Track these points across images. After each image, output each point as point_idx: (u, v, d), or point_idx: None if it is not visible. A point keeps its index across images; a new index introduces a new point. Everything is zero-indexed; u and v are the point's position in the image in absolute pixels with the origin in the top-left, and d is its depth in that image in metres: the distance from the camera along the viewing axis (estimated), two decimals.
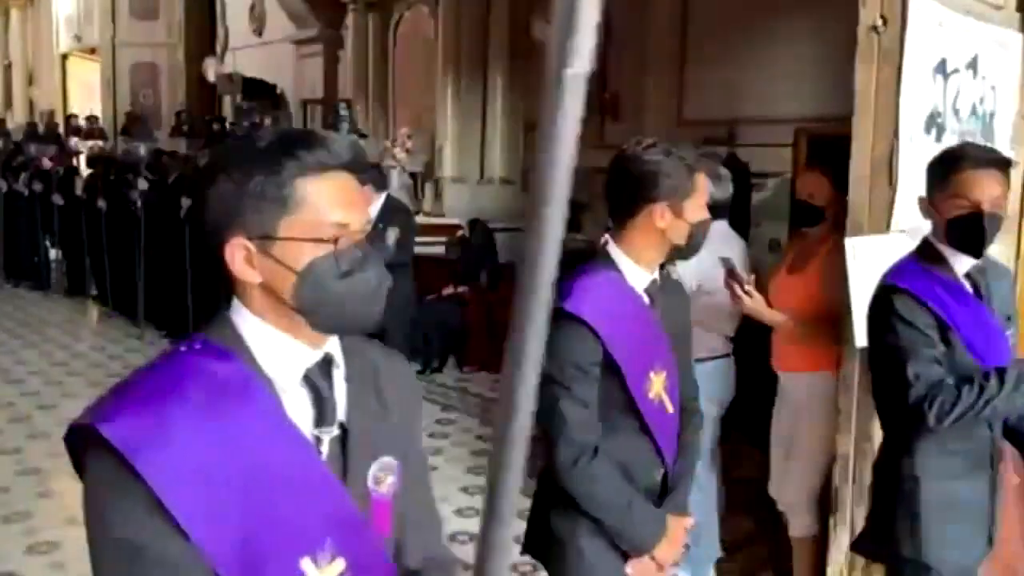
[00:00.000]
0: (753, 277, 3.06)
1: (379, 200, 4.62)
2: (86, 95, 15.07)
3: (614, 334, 1.87)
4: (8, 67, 17.89)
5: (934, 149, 2.57)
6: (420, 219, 7.62)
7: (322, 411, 1.12)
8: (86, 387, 6.33)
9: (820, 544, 3.19)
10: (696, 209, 1.94)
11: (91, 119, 13.00)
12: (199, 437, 1.02)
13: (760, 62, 6.71)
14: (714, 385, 3.22)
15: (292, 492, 1.07)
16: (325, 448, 1.13)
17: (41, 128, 12.19)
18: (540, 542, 2.03)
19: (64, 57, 16.01)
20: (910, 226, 2.80)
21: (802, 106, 6.40)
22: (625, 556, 1.95)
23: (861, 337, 2.80)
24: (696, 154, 1.99)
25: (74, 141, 11.88)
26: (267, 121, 9.09)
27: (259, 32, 12.00)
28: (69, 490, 4.52)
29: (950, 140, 2.89)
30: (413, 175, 8.55)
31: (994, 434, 2.21)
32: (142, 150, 9.18)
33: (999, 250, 2.25)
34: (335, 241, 1.08)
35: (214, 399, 1.04)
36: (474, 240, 7.31)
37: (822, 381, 3.09)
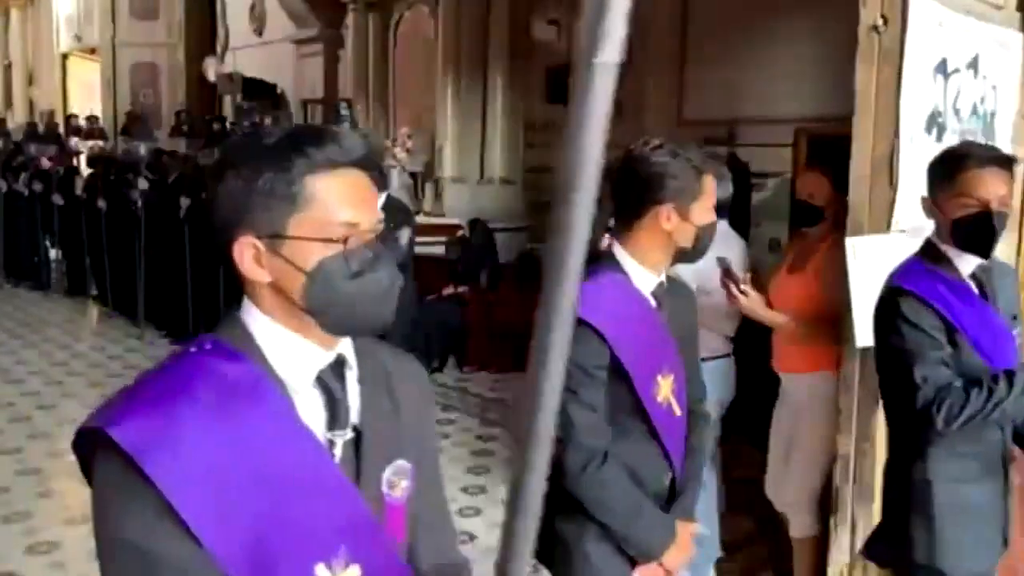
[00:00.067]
0: (749, 276, 3.06)
1: (379, 200, 4.61)
2: (86, 95, 15.06)
3: (621, 337, 1.86)
4: (8, 67, 17.89)
5: (935, 149, 2.57)
6: (420, 219, 7.61)
7: (335, 413, 1.10)
8: (86, 387, 6.33)
9: (820, 544, 3.19)
10: (703, 212, 1.92)
11: (91, 119, 13.00)
12: (209, 439, 1.00)
13: (760, 62, 6.70)
14: (714, 385, 3.21)
15: (305, 496, 1.05)
16: (338, 451, 1.10)
17: (41, 128, 12.18)
18: (546, 546, 2.00)
19: (64, 57, 16.01)
20: (910, 226, 2.80)
21: (802, 106, 6.39)
22: (632, 561, 1.92)
23: (861, 337, 2.80)
24: (703, 156, 1.96)
25: (74, 141, 11.88)
26: (267, 121, 9.09)
27: (259, 32, 11.99)
28: (69, 490, 4.52)
29: (951, 140, 2.89)
30: (413, 175, 8.55)
31: (1005, 437, 2.19)
32: (142, 150, 9.17)
33: (1000, 249, 2.24)
34: (345, 241, 1.05)
35: (224, 400, 1.02)
36: (474, 240, 7.31)
37: (823, 382, 3.08)
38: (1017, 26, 3.30)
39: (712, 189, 1.95)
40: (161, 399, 1.02)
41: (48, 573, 3.64)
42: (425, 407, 1.29)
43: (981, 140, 3.00)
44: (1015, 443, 2.26)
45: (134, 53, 13.67)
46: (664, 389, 1.93)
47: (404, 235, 4.46)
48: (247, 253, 1.06)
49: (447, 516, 1.34)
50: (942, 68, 2.91)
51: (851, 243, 2.81)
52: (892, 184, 2.80)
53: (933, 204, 2.14)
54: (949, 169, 2.10)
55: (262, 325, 1.09)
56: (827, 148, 3.66)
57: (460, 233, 7.52)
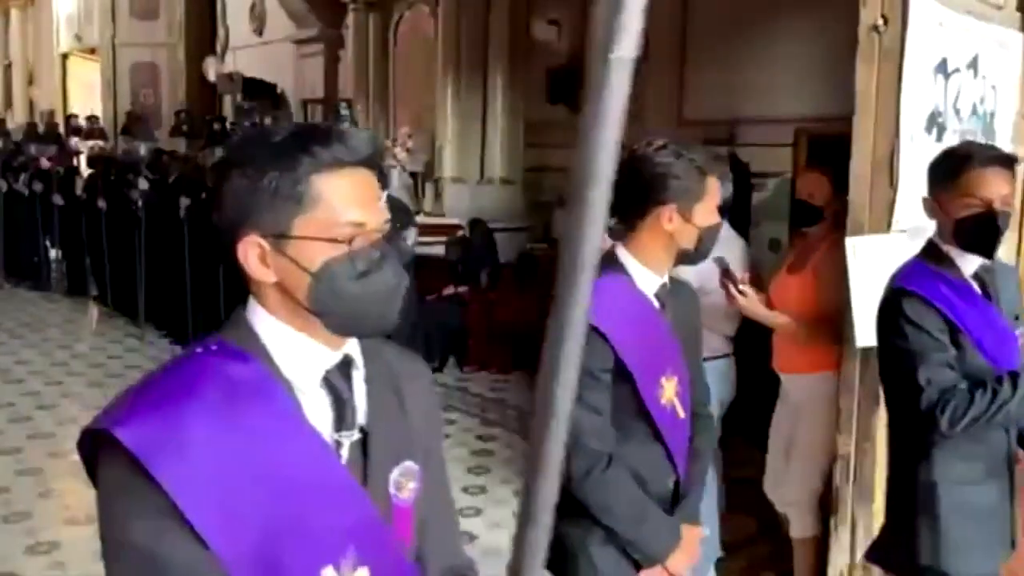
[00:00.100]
0: (748, 276, 3.06)
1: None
2: (86, 95, 15.05)
3: (625, 339, 1.84)
4: (8, 67, 17.88)
5: (935, 149, 2.57)
6: (420, 219, 7.61)
7: (342, 414, 1.09)
8: (86, 387, 6.33)
9: (821, 544, 3.19)
10: (706, 214, 1.90)
11: (91, 119, 12.98)
12: (215, 440, 0.99)
13: (760, 62, 6.70)
14: (714, 385, 3.20)
15: (313, 497, 1.04)
16: (345, 452, 1.09)
17: (41, 128, 12.17)
18: (550, 550, 1.98)
19: (64, 57, 16.00)
20: (910, 226, 2.80)
21: (802, 106, 6.39)
22: (637, 565, 1.91)
23: (861, 337, 2.80)
24: (707, 157, 1.94)
25: (74, 141, 11.86)
26: (267, 121, 9.08)
27: (259, 32, 11.99)
28: (69, 490, 4.52)
29: (951, 140, 2.89)
30: (413, 175, 8.55)
31: (1010, 438, 2.17)
32: (142, 150, 9.17)
33: (1000, 249, 2.23)
34: (351, 241, 1.04)
35: (231, 401, 1.01)
36: (474, 240, 7.31)
37: (823, 382, 3.08)
38: (1017, 26, 3.30)
39: (716, 191, 1.93)
40: (167, 400, 1.01)
41: (48, 573, 3.64)
42: (431, 408, 1.27)
43: (981, 140, 3.00)
44: (1020, 445, 2.25)
45: (134, 53, 13.65)
46: (668, 391, 1.92)
47: (411, 235, 4.46)
48: (252, 253, 1.05)
49: (453, 517, 1.33)
50: (942, 68, 2.91)
51: (851, 243, 2.81)
52: (892, 184, 2.80)
53: (935, 204, 2.13)
54: (951, 169, 2.09)
55: (268, 325, 1.08)
56: (827, 148, 3.66)
57: (460, 233, 7.52)
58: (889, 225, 2.82)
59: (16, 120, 15.17)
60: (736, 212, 3.79)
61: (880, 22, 2.79)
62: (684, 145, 1.91)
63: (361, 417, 1.11)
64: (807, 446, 3.18)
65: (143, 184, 7.88)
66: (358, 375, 1.12)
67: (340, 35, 10.31)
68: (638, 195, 1.89)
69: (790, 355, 3.18)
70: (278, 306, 1.07)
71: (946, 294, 2.07)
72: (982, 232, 2.06)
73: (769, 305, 3.10)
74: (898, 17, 2.76)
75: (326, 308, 1.05)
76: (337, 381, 1.09)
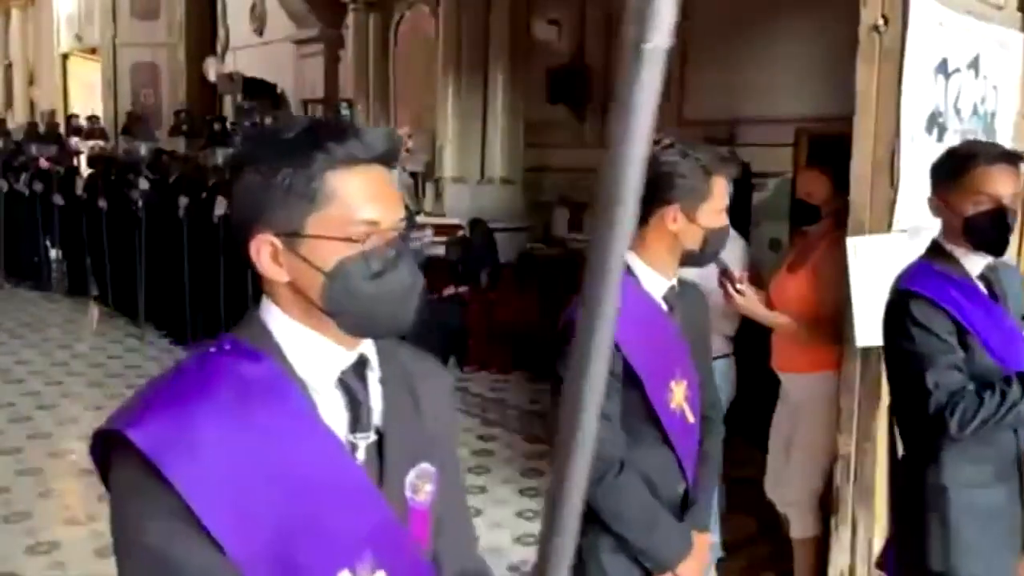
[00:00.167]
0: (747, 275, 3.05)
1: None
2: (87, 95, 15.05)
3: (633, 343, 1.80)
4: (9, 67, 17.87)
5: (935, 149, 2.57)
6: (420, 219, 7.61)
7: (357, 416, 1.07)
8: (86, 387, 6.33)
9: (821, 545, 3.19)
10: (712, 214, 1.86)
11: (92, 119, 12.98)
12: (228, 440, 0.97)
13: (760, 62, 6.70)
14: None
15: (328, 497, 1.02)
16: (361, 454, 1.07)
17: (42, 128, 12.17)
18: None
19: (65, 57, 15.99)
20: (911, 225, 2.80)
21: (803, 106, 6.39)
22: (648, 573, 1.89)
23: (862, 337, 2.80)
24: (715, 157, 1.90)
25: (75, 141, 11.86)
26: (267, 121, 9.08)
27: (260, 32, 11.98)
28: (69, 490, 4.52)
29: (952, 140, 2.89)
30: (414, 175, 8.54)
31: (1019, 440, 2.15)
32: (143, 150, 9.17)
33: None
34: (365, 240, 1.02)
35: (244, 401, 1.00)
36: (474, 240, 7.30)
37: (822, 382, 3.08)
38: (1018, 26, 3.29)
39: (722, 192, 1.89)
40: (180, 400, 0.99)
41: (48, 573, 3.63)
42: (448, 409, 1.26)
43: (982, 140, 3.00)
44: None
45: (134, 53, 13.65)
46: (677, 395, 1.89)
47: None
48: (264, 251, 1.03)
49: (469, 522, 1.30)
50: (943, 68, 2.91)
51: (852, 243, 2.81)
52: (893, 184, 2.80)
53: (942, 203, 2.10)
54: (957, 167, 2.08)
55: (282, 324, 1.06)
56: (828, 148, 3.66)
57: (460, 233, 7.52)
58: (890, 225, 2.82)
59: (17, 120, 15.17)
60: (736, 212, 3.78)
61: (880, 22, 2.79)
62: (691, 144, 1.88)
63: (376, 418, 1.09)
64: (807, 446, 3.18)
65: (144, 184, 7.88)
66: (373, 376, 1.10)
67: (340, 35, 10.31)
68: (643, 195, 1.86)
69: (789, 355, 3.18)
70: (291, 305, 1.05)
71: (953, 295, 2.05)
72: (993, 229, 2.04)
73: (769, 304, 3.10)
74: (898, 17, 2.76)
75: (340, 308, 1.03)
76: (352, 382, 1.07)
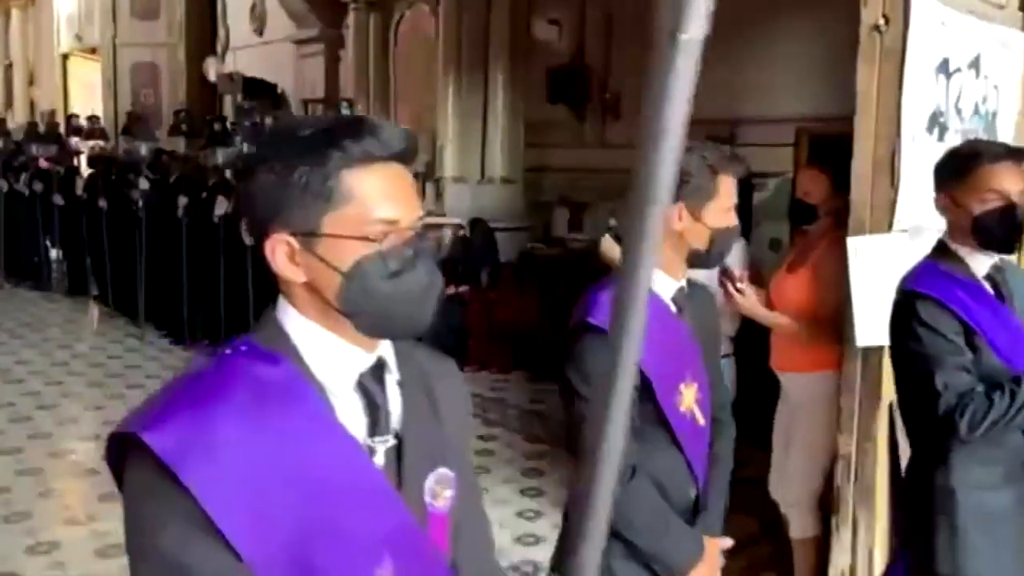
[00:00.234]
0: (747, 274, 3.05)
1: None
2: (87, 95, 15.05)
3: (642, 346, 1.77)
4: (9, 67, 17.87)
5: (936, 149, 2.57)
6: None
7: (376, 419, 1.05)
8: (86, 387, 6.33)
9: (821, 545, 3.18)
10: (718, 214, 1.83)
11: (92, 119, 12.97)
12: (246, 445, 0.96)
13: (760, 62, 6.70)
14: None
15: (348, 503, 1.00)
16: (380, 458, 1.05)
17: (42, 128, 12.17)
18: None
19: (65, 57, 15.99)
20: (912, 225, 2.80)
21: (803, 106, 6.39)
22: None
23: (862, 336, 2.80)
24: (722, 155, 1.87)
25: (75, 141, 11.86)
26: (268, 121, 9.07)
27: (260, 32, 11.98)
28: (69, 490, 4.52)
29: (953, 139, 2.88)
30: (414, 175, 8.55)
31: None
32: (143, 150, 9.17)
33: None
34: (383, 239, 1.00)
35: (261, 404, 0.98)
36: (475, 240, 7.30)
37: (821, 382, 3.08)
38: (1019, 25, 3.29)
39: (729, 191, 1.86)
40: (196, 403, 0.97)
41: (48, 573, 3.63)
42: (465, 413, 1.24)
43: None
44: None
45: (135, 53, 13.65)
46: (687, 398, 1.86)
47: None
48: (280, 251, 1.01)
49: (487, 528, 1.28)
50: (944, 68, 2.90)
51: (852, 243, 2.81)
52: (894, 184, 2.80)
53: (949, 201, 2.08)
54: (964, 165, 2.06)
55: (298, 325, 1.04)
56: (828, 148, 3.66)
57: (461, 233, 7.51)
58: (890, 225, 2.82)
59: (17, 120, 15.17)
60: (737, 212, 3.79)
61: (881, 22, 2.79)
62: (698, 143, 1.84)
63: (395, 422, 1.08)
64: (806, 446, 3.18)
65: (144, 184, 7.88)
66: (391, 378, 1.09)
67: (340, 35, 10.30)
68: None
69: (789, 354, 3.18)
70: (308, 306, 1.04)
71: (960, 296, 2.03)
72: (1002, 227, 2.02)
73: (769, 304, 3.10)
74: (899, 17, 2.75)
75: (357, 308, 1.01)
76: (371, 385, 1.05)
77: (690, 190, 1.80)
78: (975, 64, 3.03)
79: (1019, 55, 3.27)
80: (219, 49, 12.89)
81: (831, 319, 2.97)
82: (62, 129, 12.34)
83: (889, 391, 2.83)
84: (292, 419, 0.99)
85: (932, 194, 2.18)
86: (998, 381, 1.99)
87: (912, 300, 2.06)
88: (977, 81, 3.06)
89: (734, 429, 2.09)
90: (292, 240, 1.01)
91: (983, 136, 3.06)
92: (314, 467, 0.99)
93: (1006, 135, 3.22)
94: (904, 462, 2.48)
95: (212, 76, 12.43)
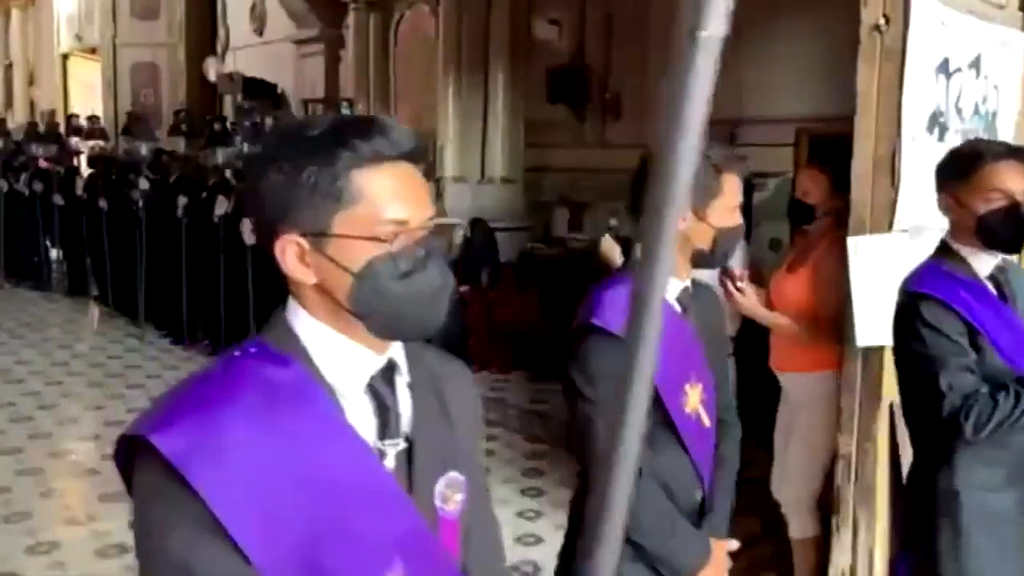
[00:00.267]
0: (747, 274, 3.05)
1: None
2: (87, 95, 15.05)
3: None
4: (9, 67, 17.87)
5: (937, 148, 2.57)
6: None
7: (386, 422, 1.04)
8: (86, 387, 6.33)
9: (821, 545, 3.18)
10: (722, 213, 1.81)
11: (92, 119, 12.97)
12: (255, 447, 0.95)
13: (761, 62, 6.69)
14: None
15: (357, 504, 1.00)
16: (390, 462, 1.04)
17: (42, 128, 12.16)
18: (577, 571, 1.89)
19: (65, 57, 15.99)
20: (912, 225, 2.80)
21: (804, 106, 6.39)
22: None
23: (862, 336, 2.80)
24: (727, 154, 1.85)
25: (75, 141, 11.86)
26: (268, 121, 9.07)
27: (260, 32, 11.98)
28: (70, 490, 4.52)
29: (953, 139, 2.88)
30: None
31: None
32: (143, 150, 9.17)
33: None
34: (393, 239, 0.99)
35: (270, 405, 0.98)
36: (475, 240, 7.30)
37: (820, 381, 3.08)
38: (1019, 25, 3.29)
39: (734, 190, 1.84)
40: (205, 405, 0.97)
41: (48, 573, 3.63)
42: (475, 416, 1.23)
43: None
44: None
45: (135, 53, 13.65)
46: (692, 399, 1.85)
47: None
48: (290, 252, 1.01)
49: (497, 532, 1.27)
50: (944, 68, 2.90)
51: (853, 242, 2.81)
52: (894, 184, 2.80)
53: (953, 201, 2.08)
54: (967, 165, 2.05)
55: (309, 327, 1.03)
56: (828, 148, 3.66)
57: (461, 233, 7.52)
58: (891, 225, 2.82)
59: (17, 120, 15.17)
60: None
61: (882, 22, 2.79)
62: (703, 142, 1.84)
63: (405, 425, 1.07)
64: (806, 446, 3.18)
65: (144, 184, 7.88)
66: (401, 381, 1.08)
67: (340, 35, 10.30)
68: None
69: (788, 354, 3.18)
70: (318, 307, 1.03)
71: (963, 296, 2.02)
72: (1007, 226, 2.01)
73: (769, 304, 3.10)
74: (900, 17, 2.75)
75: (368, 309, 1.01)
76: (381, 387, 1.05)
77: (694, 188, 1.78)
78: (975, 64, 3.03)
79: (1019, 55, 3.27)
80: (219, 49, 12.89)
81: (831, 320, 2.97)
82: (62, 129, 12.33)
83: (889, 391, 2.83)
84: (302, 421, 0.99)
85: (933, 194, 2.18)
86: (1002, 382, 1.98)
87: (916, 301, 2.05)
88: (977, 81, 3.06)
89: (740, 430, 2.07)
90: (302, 241, 1.00)
91: (983, 136, 3.05)
92: (324, 469, 0.98)
93: (1006, 135, 3.22)
94: (904, 462, 2.48)
95: (212, 76, 12.43)
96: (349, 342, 1.03)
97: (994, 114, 3.17)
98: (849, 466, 2.97)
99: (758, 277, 3.33)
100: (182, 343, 7.40)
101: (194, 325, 7.35)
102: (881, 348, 2.81)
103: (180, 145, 10.70)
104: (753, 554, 3.73)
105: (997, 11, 3.18)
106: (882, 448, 2.89)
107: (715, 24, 0.43)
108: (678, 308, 1.85)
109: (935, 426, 2.04)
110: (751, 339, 3.44)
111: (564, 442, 5.06)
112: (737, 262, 3.18)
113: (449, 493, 1.10)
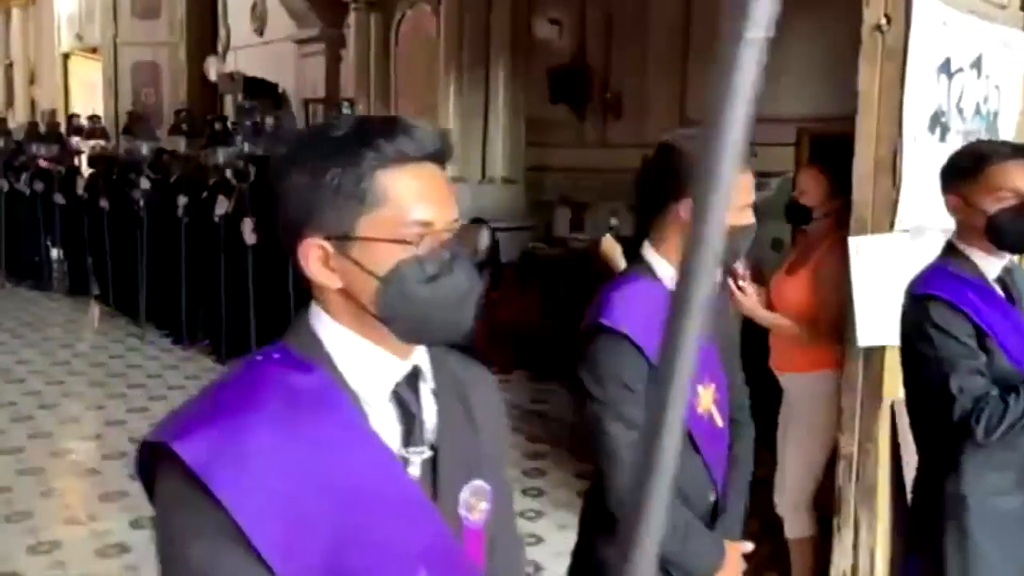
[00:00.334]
0: (748, 273, 3.05)
1: None
2: (88, 94, 15.05)
3: (656, 346, 1.71)
4: (9, 66, 17.88)
5: (938, 149, 2.57)
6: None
7: (410, 430, 1.03)
8: (87, 386, 6.33)
9: (817, 545, 3.18)
10: (732, 211, 1.77)
11: (93, 118, 12.97)
12: (279, 452, 0.94)
13: (761, 62, 6.70)
14: None
15: (381, 511, 0.98)
16: (415, 470, 1.03)
17: (43, 127, 12.16)
18: (587, 570, 1.88)
19: (66, 56, 16.00)
20: (913, 225, 2.80)
21: (805, 105, 6.38)
22: None
23: (863, 337, 2.80)
24: None
25: (76, 140, 11.86)
26: (268, 120, 9.07)
27: (260, 31, 11.98)
28: (70, 490, 4.52)
29: (954, 139, 2.88)
30: None
31: None
32: (144, 149, 9.16)
33: None
34: (419, 241, 0.98)
35: (294, 412, 0.96)
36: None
37: (819, 381, 3.08)
38: (1020, 26, 3.29)
39: (745, 187, 1.81)
40: (228, 412, 0.96)
41: (49, 573, 3.63)
42: (500, 423, 1.21)
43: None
44: None
45: (135, 52, 13.65)
46: (705, 400, 1.82)
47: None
48: (314, 256, 0.99)
49: (519, 542, 1.25)
50: (945, 68, 2.90)
51: (854, 242, 2.81)
52: (895, 184, 2.80)
53: (961, 201, 2.06)
54: (973, 165, 2.04)
55: (332, 332, 1.02)
56: (829, 148, 3.66)
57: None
58: (892, 225, 2.81)
59: (18, 119, 15.17)
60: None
61: (883, 21, 2.78)
62: None
63: (430, 432, 1.05)
64: (801, 446, 3.17)
65: (145, 184, 7.88)
66: (426, 387, 1.06)
67: (341, 34, 10.30)
68: (659, 189, 1.77)
69: (788, 354, 3.18)
70: (342, 312, 1.01)
71: (971, 298, 2.00)
72: (1017, 225, 1.99)
73: (769, 304, 3.10)
74: (901, 17, 2.75)
75: (394, 313, 0.99)
76: (406, 394, 1.03)
77: None
78: (977, 64, 3.03)
79: (1021, 55, 3.27)
80: (220, 49, 12.89)
81: (831, 321, 2.97)
82: (63, 129, 12.33)
83: (890, 391, 2.83)
84: (325, 428, 0.97)
85: (934, 194, 2.17)
86: (1011, 384, 1.96)
87: (923, 302, 2.03)
88: (979, 81, 3.05)
89: (753, 430, 2.05)
90: (326, 244, 0.98)
91: (985, 136, 3.05)
92: (348, 477, 0.97)
93: (1007, 135, 3.21)
94: (905, 462, 2.47)
95: (213, 76, 12.43)
96: (374, 347, 1.02)
97: (995, 114, 3.17)
98: (850, 466, 2.97)
99: (759, 277, 3.33)
100: (182, 343, 7.40)
101: (195, 325, 7.35)
102: (882, 348, 2.81)
103: (181, 145, 10.70)
104: (754, 553, 3.73)
105: (999, 11, 3.18)
106: (883, 448, 2.89)
107: (761, 24, 0.45)
108: None
109: (943, 429, 2.02)
110: (751, 339, 3.43)
111: (566, 442, 5.06)
112: (739, 261, 3.18)
113: (474, 502, 1.08)
